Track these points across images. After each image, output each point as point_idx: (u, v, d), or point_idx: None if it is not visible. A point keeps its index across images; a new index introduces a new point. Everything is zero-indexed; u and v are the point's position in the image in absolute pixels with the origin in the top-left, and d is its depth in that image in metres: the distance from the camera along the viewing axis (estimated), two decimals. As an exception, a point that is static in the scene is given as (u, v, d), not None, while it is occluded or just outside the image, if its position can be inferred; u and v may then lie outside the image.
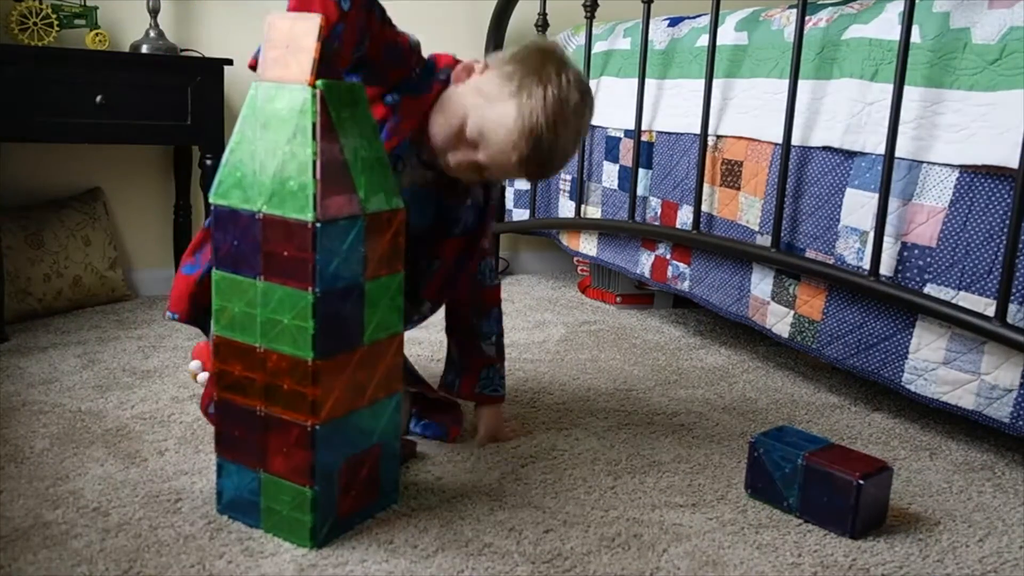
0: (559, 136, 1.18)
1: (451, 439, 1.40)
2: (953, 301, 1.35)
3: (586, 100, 1.23)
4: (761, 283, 1.73)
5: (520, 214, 2.60)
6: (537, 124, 1.16)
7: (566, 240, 2.42)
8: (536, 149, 1.18)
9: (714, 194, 1.86)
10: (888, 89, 1.44)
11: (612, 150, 2.19)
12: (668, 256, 2.02)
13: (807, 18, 1.63)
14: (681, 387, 1.75)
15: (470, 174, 1.25)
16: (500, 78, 1.20)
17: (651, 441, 1.45)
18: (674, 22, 2.07)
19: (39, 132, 1.91)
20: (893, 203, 1.43)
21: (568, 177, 2.38)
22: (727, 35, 1.84)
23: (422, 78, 1.25)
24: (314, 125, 0.98)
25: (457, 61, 1.29)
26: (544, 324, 2.19)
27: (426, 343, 1.94)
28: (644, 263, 2.10)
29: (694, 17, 2.03)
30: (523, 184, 2.58)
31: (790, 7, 1.72)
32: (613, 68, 2.19)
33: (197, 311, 1.29)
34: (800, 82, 1.59)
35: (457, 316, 1.44)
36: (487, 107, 1.19)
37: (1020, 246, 1.26)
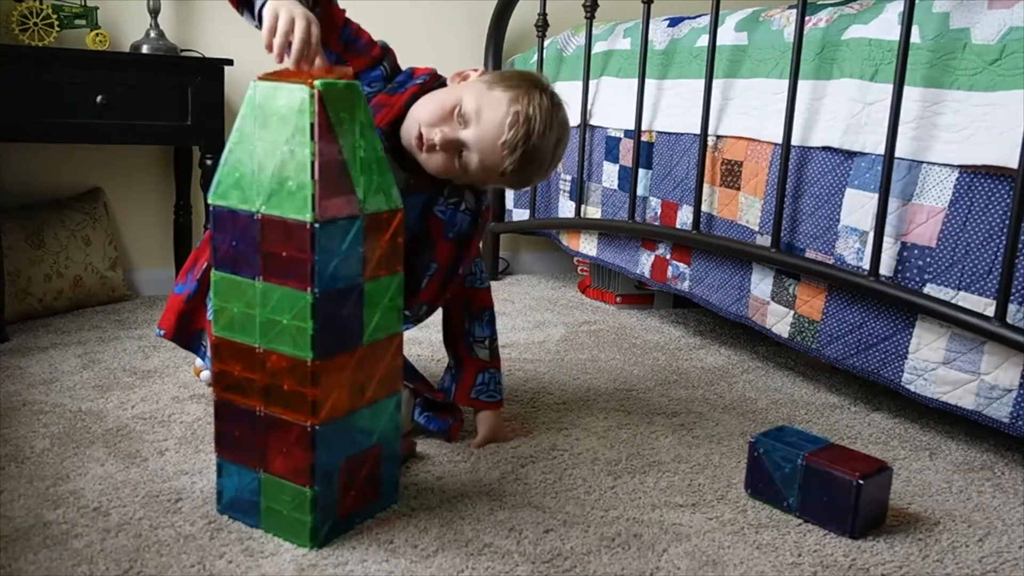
0: (544, 136, 1.23)
1: (453, 438, 1.40)
2: (953, 301, 1.35)
3: (566, 124, 1.29)
4: (761, 283, 1.73)
5: (520, 214, 2.60)
6: (530, 116, 1.21)
7: (566, 240, 2.42)
8: (525, 138, 1.21)
9: (714, 194, 1.86)
10: (888, 89, 1.43)
11: (612, 150, 2.19)
12: (668, 256, 2.02)
13: (807, 18, 1.63)
14: (681, 387, 1.75)
15: (444, 161, 1.25)
16: (498, 77, 1.26)
17: (651, 441, 1.45)
18: (674, 22, 2.07)
19: (39, 132, 1.91)
20: (893, 203, 1.43)
21: (568, 177, 2.38)
22: (727, 35, 1.84)
23: (398, 79, 1.31)
24: (312, 125, 0.98)
25: (437, 75, 1.34)
26: (544, 324, 2.19)
27: (426, 343, 1.94)
28: (644, 263, 2.10)
29: (694, 17, 2.03)
30: (523, 184, 2.58)
31: (790, 7, 1.72)
32: (613, 68, 2.19)
33: (184, 330, 1.32)
34: (800, 82, 1.59)
35: (450, 320, 1.45)
36: (485, 91, 1.23)
37: (1020, 246, 1.26)
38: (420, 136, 1.23)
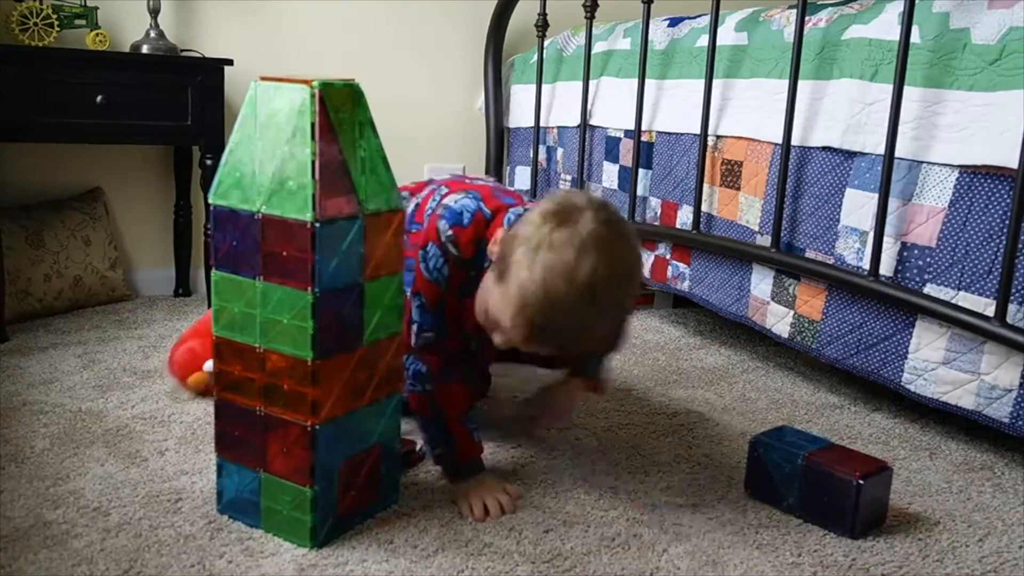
0: (565, 310, 0.99)
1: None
2: (953, 301, 1.35)
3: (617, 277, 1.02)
4: (761, 283, 1.73)
5: (520, 214, 2.59)
6: (531, 297, 0.99)
7: (566, 240, 2.41)
8: (538, 324, 1.01)
9: (714, 194, 1.86)
10: (888, 89, 1.43)
11: (612, 150, 2.19)
12: (668, 256, 2.02)
13: (807, 18, 1.63)
14: (681, 387, 1.75)
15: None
16: (500, 251, 1.07)
17: (651, 441, 1.45)
18: (674, 22, 2.07)
19: (39, 132, 1.91)
20: (893, 203, 1.43)
21: (568, 177, 2.38)
22: (727, 35, 1.84)
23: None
24: (313, 125, 0.98)
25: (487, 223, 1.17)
26: (544, 324, 2.19)
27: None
28: (644, 263, 2.10)
29: (694, 17, 2.03)
30: (523, 184, 2.58)
31: (790, 7, 1.72)
32: (613, 68, 2.19)
33: None
34: (800, 82, 1.59)
35: None
36: (487, 293, 1.09)
37: (1020, 246, 1.26)
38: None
